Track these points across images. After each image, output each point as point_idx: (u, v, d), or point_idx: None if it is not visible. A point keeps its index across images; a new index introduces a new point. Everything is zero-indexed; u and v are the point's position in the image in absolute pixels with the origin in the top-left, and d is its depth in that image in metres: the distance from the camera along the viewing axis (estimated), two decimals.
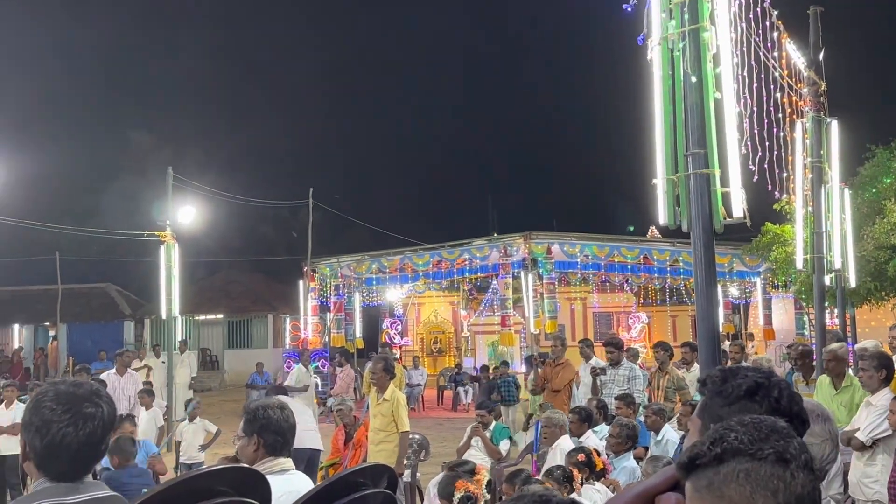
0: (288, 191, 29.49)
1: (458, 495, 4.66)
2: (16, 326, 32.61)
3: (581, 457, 5.99)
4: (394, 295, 25.33)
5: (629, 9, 5.06)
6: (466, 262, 20.13)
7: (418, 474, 8.77)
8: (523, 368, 16.72)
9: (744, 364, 5.22)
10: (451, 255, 20.48)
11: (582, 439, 7.14)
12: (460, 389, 19.88)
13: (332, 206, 27.72)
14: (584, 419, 7.53)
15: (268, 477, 2.43)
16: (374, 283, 23.03)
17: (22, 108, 41.61)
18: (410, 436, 8.32)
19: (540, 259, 18.67)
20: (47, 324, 32.79)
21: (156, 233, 16.76)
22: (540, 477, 5.95)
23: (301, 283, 23.69)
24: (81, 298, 31.63)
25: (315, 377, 17.77)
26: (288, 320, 27.64)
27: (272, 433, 3.32)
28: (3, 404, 10.16)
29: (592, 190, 45.05)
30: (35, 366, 28.61)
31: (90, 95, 49.74)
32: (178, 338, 18.97)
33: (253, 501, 2.09)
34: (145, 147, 39.38)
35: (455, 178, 52.98)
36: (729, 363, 8.56)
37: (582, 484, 5.84)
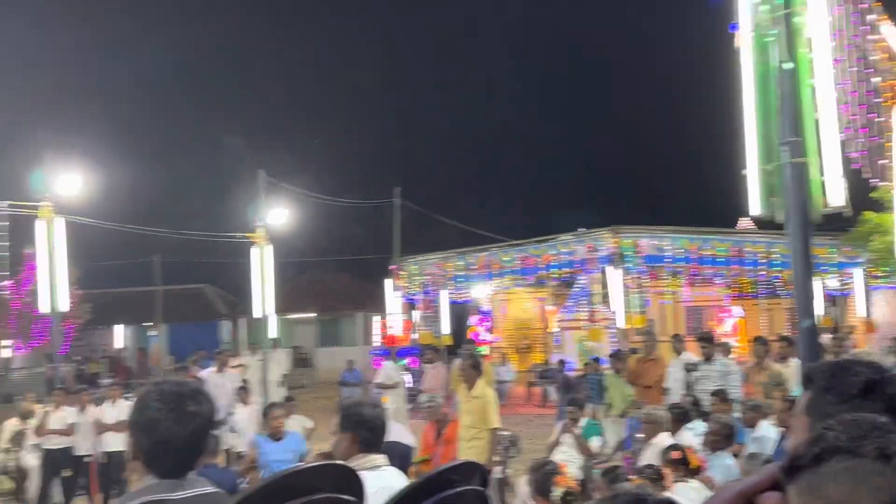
0: (375, 190, 29.87)
1: (558, 491, 4.63)
2: (118, 327, 33.96)
3: (676, 454, 5.88)
4: (480, 291, 25.36)
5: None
6: (553, 258, 20.01)
7: (509, 470, 8.77)
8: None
9: (851, 357, 5.04)
10: (538, 250, 20.40)
11: (677, 436, 7.02)
12: (549, 386, 19.78)
13: (418, 203, 27.98)
14: (681, 416, 7.40)
15: (361, 473, 2.47)
16: (461, 280, 23.11)
17: (123, 116, 43.31)
18: (501, 432, 8.34)
19: (628, 253, 18.41)
20: (148, 324, 34.04)
21: (248, 235, 17.22)
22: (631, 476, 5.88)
23: (388, 281, 23.97)
24: (180, 299, 32.73)
25: (405, 374, 17.96)
26: (376, 318, 28.02)
27: (366, 430, 3.39)
28: (108, 402, 10.60)
29: (681, 182, 44.16)
30: (137, 365, 29.75)
31: (186, 103, 51.48)
32: (272, 336, 19.43)
33: (350, 497, 2.12)
34: (238, 150, 40.46)
35: (540, 173, 52.75)
36: (829, 357, 8.28)
37: (675, 482, 5.74)
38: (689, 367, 9.71)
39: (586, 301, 20.71)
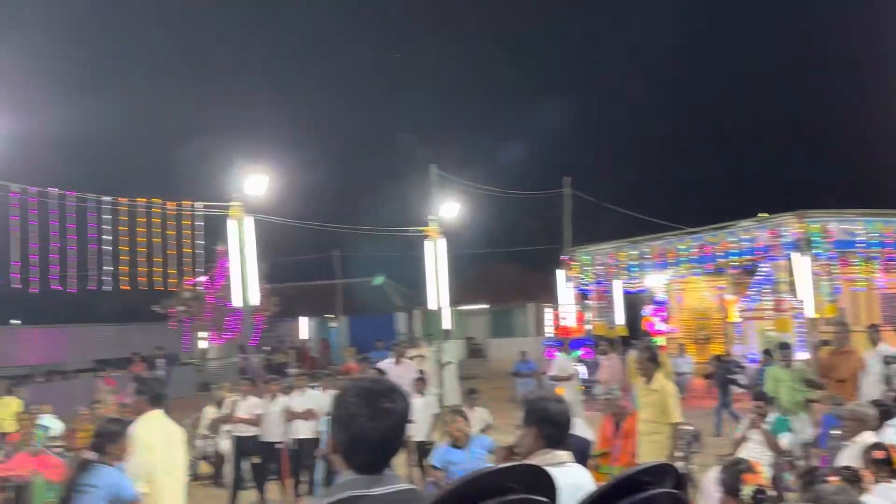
0: (544, 180, 29.73)
1: (748, 489, 4.42)
2: (303, 319, 35.67)
3: (880, 453, 5.49)
4: (655, 281, 24.70)
5: None
6: (732, 245, 19.18)
7: (692, 466, 8.51)
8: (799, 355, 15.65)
9: None
10: (715, 238, 19.61)
11: (879, 434, 6.55)
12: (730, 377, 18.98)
13: (588, 193, 27.62)
14: (884, 413, 6.90)
15: (548, 469, 2.45)
16: (635, 269, 22.59)
17: (305, 116, 45.39)
18: (682, 427, 8.09)
19: (816, 238, 17.36)
20: (329, 316, 35.55)
21: (422, 229, 17.61)
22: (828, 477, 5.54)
23: (560, 271, 23.81)
24: (359, 292, 33.92)
25: (578, 365, 17.81)
26: (548, 309, 27.91)
27: (550, 426, 3.37)
28: (297, 392, 11.12)
29: (872, 162, 41.06)
30: (320, 355, 31.12)
31: (362, 104, 53.28)
32: (445, 327, 19.80)
33: (542, 498, 2.12)
34: (412, 146, 41.46)
35: (715, 157, 50.70)
36: None
37: (877, 482, 5.36)
38: (889, 360, 9.06)
39: (770, 289, 19.72)
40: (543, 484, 2.21)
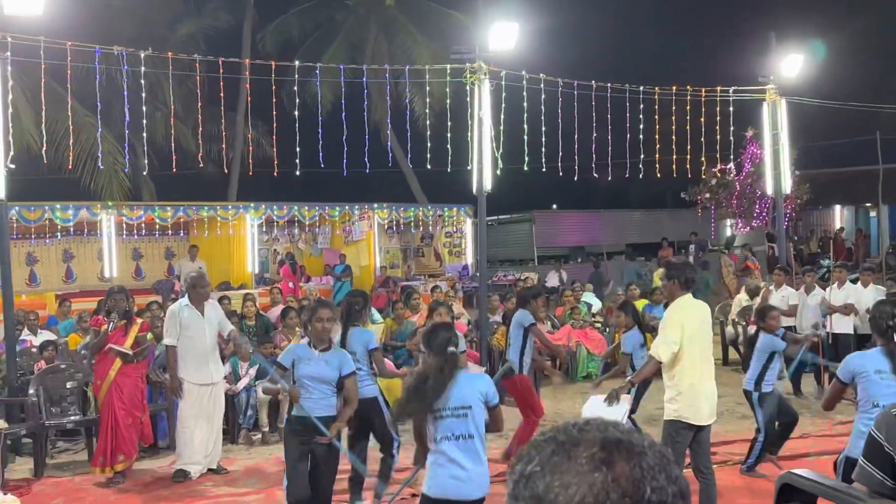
0: None
1: None
2: (837, 207, 33.33)
3: None
4: None
5: None
6: None
7: None
8: None
9: None
10: None
11: None
12: None
13: None
14: None
15: None
16: None
17: None
18: None
19: None
20: (867, 205, 32.63)
21: None
22: None
23: None
24: None
25: None
26: None
27: None
28: (836, 284, 10.50)
29: None
30: (855, 247, 28.90)
31: None
32: None
33: None
34: None
35: None
36: None
37: None
38: None
39: None
40: None
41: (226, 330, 8.17)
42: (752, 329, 11.73)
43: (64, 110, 13.93)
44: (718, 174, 23.47)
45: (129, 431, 7.84)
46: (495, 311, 12.83)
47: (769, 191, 15.62)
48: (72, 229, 18.12)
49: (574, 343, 12.45)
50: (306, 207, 20.07)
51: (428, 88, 14.40)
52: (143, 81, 11.03)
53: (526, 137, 12.83)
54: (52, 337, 11.03)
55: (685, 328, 5.77)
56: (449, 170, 14.17)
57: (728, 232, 28.80)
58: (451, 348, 4.48)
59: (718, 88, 14.07)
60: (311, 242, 23.44)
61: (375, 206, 21.35)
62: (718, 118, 14.54)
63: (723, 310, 13.58)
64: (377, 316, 13.23)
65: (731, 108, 14.49)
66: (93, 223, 17.53)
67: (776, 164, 14.68)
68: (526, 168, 13.27)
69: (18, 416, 8.69)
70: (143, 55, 10.56)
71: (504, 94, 12.16)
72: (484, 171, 11.43)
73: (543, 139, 13.28)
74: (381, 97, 21.27)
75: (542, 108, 12.82)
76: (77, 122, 14.72)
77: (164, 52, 12.20)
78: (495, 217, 26.21)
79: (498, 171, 11.74)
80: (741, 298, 12.94)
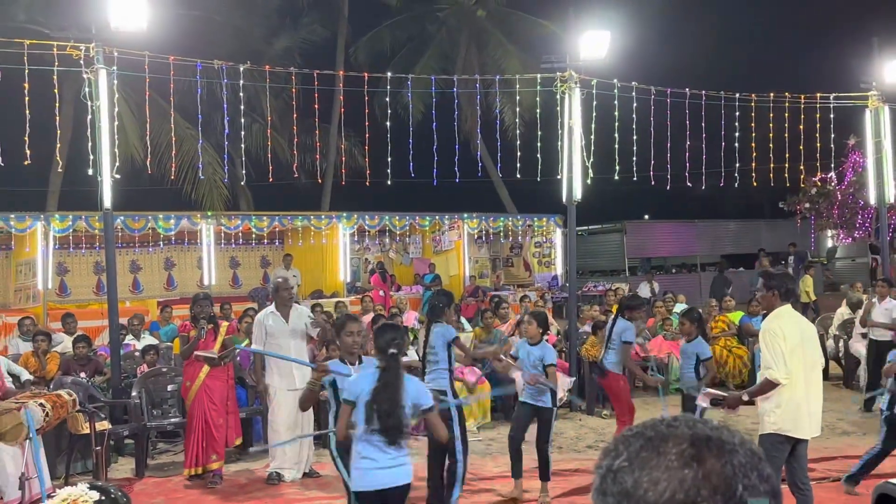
0: None
1: None
2: None
3: None
4: None
5: None
6: None
7: None
8: None
9: None
10: None
11: None
12: None
13: None
14: None
15: None
16: None
17: None
18: None
19: None
20: None
21: None
22: None
23: None
24: None
25: None
26: None
27: None
28: None
29: None
30: None
31: None
32: None
33: None
34: None
35: None
36: None
37: None
38: None
39: None
40: None
41: (309, 332, 8.31)
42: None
43: (166, 122, 14.46)
44: (818, 183, 22.72)
45: (220, 432, 8.11)
46: (585, 321, 12.72)
47: (872, 200, 15.06)
48: (173, 238, 18.82)
49: (666, 354, 12.24)
50: (397, 217, 20.32)
51: (518, 98, 14.42)
52: (241, 94, 11.40)
53: (617, 146, 12.71)
54: (154, 342, 11.47)
55: (787, 339, 5.62)
56: (538, 179, 14.14)
57: (829, 243, 27.81)
58: (393, 350, 4.63)
59: (818, 95, 13.67)
60: (401, 252, 23.70)
61: (465, 215, 21.42)
62: (818, 125, 14.13)
63: (822, 323, 13.12)
64: (466, 325, 13.29)
65: (831, 116, 14.06)
66: (193, 232, 18.16)
67: (879, 172, 14.17)
68: (616, 177, 13.14)
69: (122, 417, 9.09)
70: (241, 69, 10.93)
71: (595, 102, 12.08)
72: (574, 180, 11.37)
73: (635, 148, 13.13)
74: (472, 107, 21.38)
75: (634, 116, 12.69)
76: (179, 133, 15.26)
77: (261, 65, 12.57)
78: (585, 227, 25.97)
79: (588, 181, 11.67)
80: (842, 312, 12.49)
